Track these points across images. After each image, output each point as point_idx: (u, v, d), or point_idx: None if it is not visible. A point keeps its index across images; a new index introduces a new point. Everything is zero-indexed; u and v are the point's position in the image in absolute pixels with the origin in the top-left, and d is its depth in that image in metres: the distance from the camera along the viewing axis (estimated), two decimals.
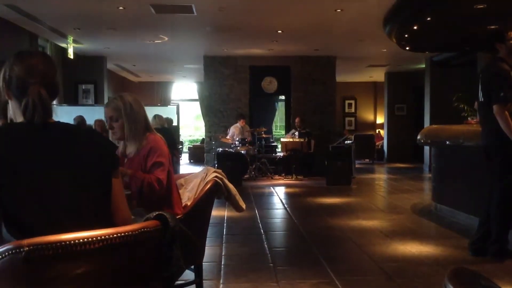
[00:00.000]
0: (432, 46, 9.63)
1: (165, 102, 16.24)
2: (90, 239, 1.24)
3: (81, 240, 1.24)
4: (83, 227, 1.29)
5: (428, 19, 7.00)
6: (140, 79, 16.16)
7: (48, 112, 1.50)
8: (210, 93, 12.00)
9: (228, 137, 10.75)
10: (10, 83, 1.53)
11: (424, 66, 12.40)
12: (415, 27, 7.42)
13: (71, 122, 7.69)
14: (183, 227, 1.50)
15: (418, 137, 6.25)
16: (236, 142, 10.33)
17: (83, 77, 10.95)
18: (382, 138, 15.55)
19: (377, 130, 16.38)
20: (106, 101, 11.07)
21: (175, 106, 15.35)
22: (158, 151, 2.65)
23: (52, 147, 1.47)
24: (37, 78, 1.50)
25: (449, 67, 11.52)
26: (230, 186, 2.92)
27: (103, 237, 1.26)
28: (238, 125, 10.83)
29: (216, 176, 2.85)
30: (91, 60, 11.00)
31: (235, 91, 11.91)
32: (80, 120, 8.35)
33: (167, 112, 11.26)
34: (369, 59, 12.06)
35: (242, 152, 10.13)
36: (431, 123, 10.91)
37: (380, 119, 16.39)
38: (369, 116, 16.88)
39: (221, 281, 3.56)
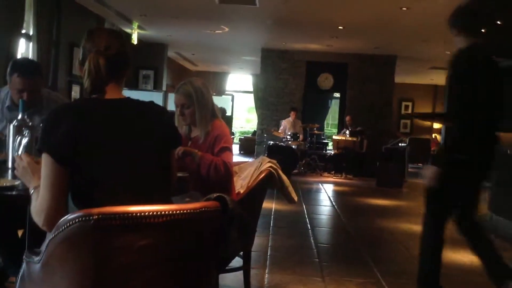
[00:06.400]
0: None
1: (219, 92, 16.47)
2: (155, 213, 1.28)
3: (147, 213, 1.27)
4: (144, 202, 1.32)
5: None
6: (197, 68, 16.45)
7: (102, 80, 1.54)
8: (265, 86, 12.03)
9: (280, 130, 10.77)
10: (84, 60, 1.58)
11: None
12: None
13: None
14: (241, 211, 1.53)
15: None
16: (288, 136, 10.33)
17: (144, 63, 11.25)
18: (438, 143, 15.04)
19: (433, 135, 15.87)
20: (164, 88, 11.35)
21: (230, 96, 15.46)
22: (224, 137, 2.70)
23: (125, 122, 1.52)
24: (99, 49, 1.55)
25: None
26: (284, 177, 2.93)
27: (167, 212, 1.30)
28: (290, 118, 10.81)
29: (270, 166, 2.87)
30: (153, 47, 11.31)
31: (290, 85, 11.88)
32: None
33: (222, 102, 11.40)
34: (431, 60, 11.65)
35: (293, 146, 10.12)
36: None
37: (438, 124, 15.85)
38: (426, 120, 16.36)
39: (266, 270, 3.60)
